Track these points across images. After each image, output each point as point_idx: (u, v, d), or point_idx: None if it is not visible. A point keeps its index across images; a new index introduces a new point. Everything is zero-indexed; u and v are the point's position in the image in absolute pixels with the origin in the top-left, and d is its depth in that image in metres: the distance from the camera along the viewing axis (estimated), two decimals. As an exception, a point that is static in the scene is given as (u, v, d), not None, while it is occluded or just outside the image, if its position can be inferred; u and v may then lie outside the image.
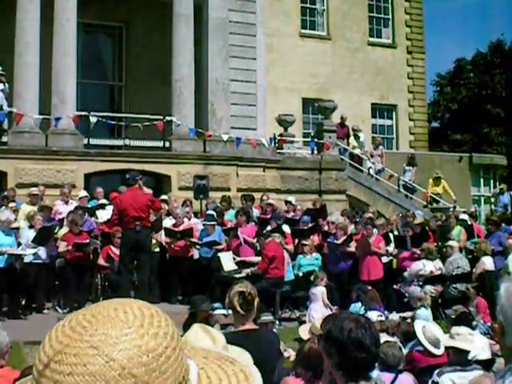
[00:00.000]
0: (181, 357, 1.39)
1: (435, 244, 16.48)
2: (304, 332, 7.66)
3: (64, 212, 16.28)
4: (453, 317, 10.13)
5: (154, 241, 15.78)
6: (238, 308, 5.41)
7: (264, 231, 15.40)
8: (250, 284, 5.70)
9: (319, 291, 13.38)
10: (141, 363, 1.31)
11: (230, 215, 17.32)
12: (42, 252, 14.39)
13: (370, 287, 13.37)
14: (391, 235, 16.77)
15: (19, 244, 14.28)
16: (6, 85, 19.78)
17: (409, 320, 10.85)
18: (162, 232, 15.96)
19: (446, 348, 7.20)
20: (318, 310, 12.91)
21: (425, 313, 11.04)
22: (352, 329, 3.41)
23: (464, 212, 20.69)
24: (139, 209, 12.92)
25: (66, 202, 16.88)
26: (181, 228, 16.00)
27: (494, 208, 26.42)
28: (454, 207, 23.75)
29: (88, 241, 14.95)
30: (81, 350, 1.30)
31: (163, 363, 1.33)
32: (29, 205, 16.32)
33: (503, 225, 18.44)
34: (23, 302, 14.46)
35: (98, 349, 1.30)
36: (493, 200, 28.55)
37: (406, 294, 13.83)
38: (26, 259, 14.22)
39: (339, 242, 15.70)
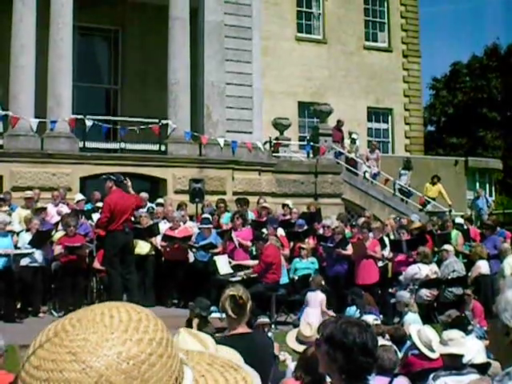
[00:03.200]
0: (170, 364, 1.31)
1: (433, 248, 16.49)
2: (291, 340, 7.60)
3: (55, 215, 16.26)
4: (448, 321, 10.11)
5: (149, 244, 15.79)
6: (230, 312, 5.43)
7: (264, 235, 15.38)
8: (243, 288, 5.70)
9: (319, 298, 13.29)
10: (120, 370, 1.24)
11: (225, 218, 17.31)
12: (39, 255, 14.36)
13: (362, 292, 13.35)
14: (386, 239, 16.77)
15: (16, 248, 14.27)
16: None
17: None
18: (158, 236, 15.97)
19: (441, 354, 7.20)
20: (315, 315, 12.74)
21: (413, 318, 10.99)
22: (356, 333, 3.45)
23: (461, 216, 20.69)
24: (127, 211, 12.90)
25: (57, 205, 16.85)
26: (177, 232, 15.99)
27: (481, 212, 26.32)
28: (450, 211, 23.77)
29: (79, 244, 14.88)
30: (59, 356, 1.25)
31: (146, 371, 1.26)
32: (23, 208, 16.29)
33: (498, 228, 18.44)
34: (19, 306, 14.43)
35: (75, 355, 1.25)
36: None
37: (393, 300, 13.78)
38: (23, 262, 14.20)
39: (332, 244, 15.71)
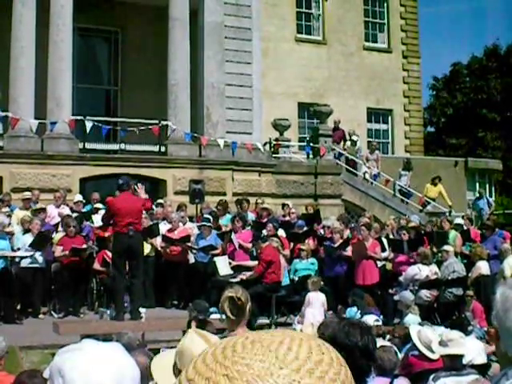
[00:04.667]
0: None
1: (430, 248, 16.48)
2: None
3: (56, 216, 16.25)
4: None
5: (149, 245, 15.76)
6: (229, 313, 5.43)
7: (262, 235, 15.39)
8: (242, 289, 5.69)
9: (321, 298, 13.30)
10: None
11: (225, 220, 17.30)
12: (38, 256, 14.36)
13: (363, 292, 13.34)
14: (385, 240, 16.73)
15: (13, 249, 14.25)
16: None
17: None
18: (159, 236, 15.95)
19: (440, 355, 7.19)
20: (320, 315, 12.70)
21: (413, 319, 11.00)
22: (359, 335, 3.45)
23: (462, 217, 20.66)
24: (133, 213, 12.86)
25: (58, 206, 16.85)
26: (176, 233, 15.99)
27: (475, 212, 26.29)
28: (450, 212, 23.75)
29: (86, 246, 14.94)
30: (214, 376, 1.13)
31: None
32: (22, 209, 16.28)
33: (497, 229, 18.42)
34: (18, 307, 14.42)
35: (231, 380, 1.11)
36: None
37: (396, 297, 13.80)
38: (23, 263, 14.19)
39: (336, 245, 15.71)
